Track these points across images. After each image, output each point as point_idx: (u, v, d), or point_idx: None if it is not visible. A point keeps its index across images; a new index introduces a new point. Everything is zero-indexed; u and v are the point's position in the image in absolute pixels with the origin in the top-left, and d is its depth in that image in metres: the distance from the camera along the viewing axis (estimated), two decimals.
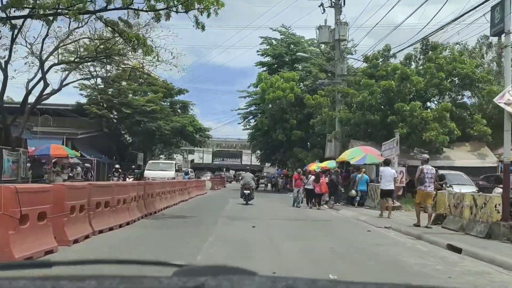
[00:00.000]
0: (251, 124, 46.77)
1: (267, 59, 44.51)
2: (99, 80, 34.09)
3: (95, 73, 33.29)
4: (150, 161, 30.84)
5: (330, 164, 30.00)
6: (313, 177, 20.04)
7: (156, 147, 42.99)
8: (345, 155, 19.82)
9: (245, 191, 19.51)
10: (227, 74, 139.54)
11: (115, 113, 35.63)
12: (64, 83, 23.16)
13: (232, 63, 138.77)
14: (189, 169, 46.94)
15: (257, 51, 44.19)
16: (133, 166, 25.74)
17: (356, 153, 18.95)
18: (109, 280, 0.74)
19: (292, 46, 43.75)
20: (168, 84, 38.14)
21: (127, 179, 21.33)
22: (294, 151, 38.66)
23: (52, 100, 26.08)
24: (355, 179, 18.99)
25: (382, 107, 21.49)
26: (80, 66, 31.83)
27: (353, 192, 18.54)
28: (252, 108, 45.60)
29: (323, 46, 36.74)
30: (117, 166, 29.83)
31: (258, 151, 49.44)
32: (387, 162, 15.99)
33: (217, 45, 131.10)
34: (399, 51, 22.51)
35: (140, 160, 41.45)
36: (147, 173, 28.75)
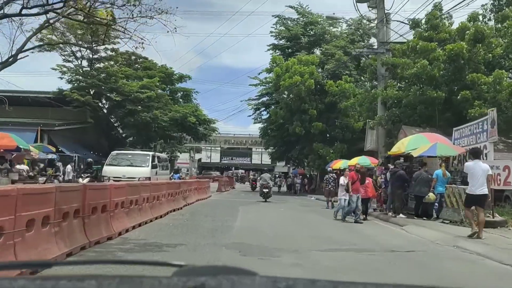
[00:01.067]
0: (263, 116, 41.37)
1: (282, 42, 38.99)
2: (85, 63, 28.89)
3: (79, 54, 28.17)
4: (114, 152, 21.54)
5: (362, 160, 24.59)
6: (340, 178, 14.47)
7: (157, 143, 37.74)
8: (402, 146, 14.12)
9: (264, 190, 21.99)
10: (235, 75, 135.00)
11: (104, 101, 30.44)
12: (23, 50, 17.88)
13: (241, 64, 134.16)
14: (181, 166, 41.30)
15: (270, 32, 38.71)
16: (89, 160, 18.84)
17: (419, 142, 13.27)
18: (108, 280, 0.73)
19: (309, 26, 38.17)
20: (167, 68, 32.83)
21: (80, 180, 15.54)
22: (314, 147, 33.10)
23: (31, 87, 20.94)
24: (423, 178, 12.83)
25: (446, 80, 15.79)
26: (62, 46, 26.72)
27: (431, 195, 12.15)
28: (264, 99, 40.08)
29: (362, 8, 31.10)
30: (89, 160, 23.15)
31: (271, 148, 43.95)
32: (476, 153, 10.40)
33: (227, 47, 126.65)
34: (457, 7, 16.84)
35: None
36: (106, 170, 20.26)
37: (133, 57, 33.72)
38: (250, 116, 41.05)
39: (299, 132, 32.84)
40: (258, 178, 32.29)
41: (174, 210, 14.17)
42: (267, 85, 39.31)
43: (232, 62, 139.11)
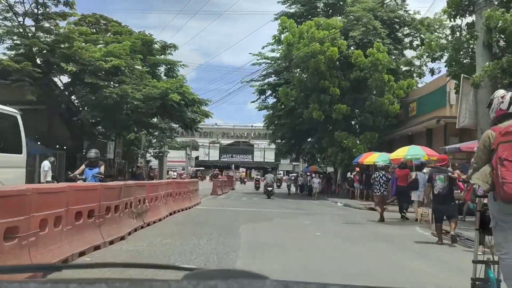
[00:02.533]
0: (269, 102, 33.77)
1: (293, 8, 31.34)
2: (30, 23, 21.24)
3: (21, 8, 20.63)
4: None
5: (414, 151, 17.40)
6: None
7: (135, 131, 30.07)
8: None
9: (268, 188, 24.45)
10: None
11: (59, 76, 22.88)
12: None
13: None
14: (177, 165, 33.51)
15: None
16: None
17: None
18: (118, 283, 0.74)
19: None
20: (146, 35, 25.20)
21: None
22: (336, 137, 25.51)
23: None
24: None
25: None
26: None
27: None
28: (271, 79, 32.40)
29: None
30: (51, 159, 17.32)
31: (277, 142, 36.27)
32: None
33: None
34: None
35: (110, 152, 28.59)
36: None
37: (102, 21, 26.11)
38: (253, 101, 33.42)
39: (317, 117, 25.23)
40: (262, 178, 32.99)
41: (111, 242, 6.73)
42: (273, 62, 31.73)
43: (234, 61, 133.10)
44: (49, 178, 16.39)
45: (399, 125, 26.06)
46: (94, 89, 20.93)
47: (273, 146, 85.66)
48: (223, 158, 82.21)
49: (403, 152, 17.94)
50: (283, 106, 30.42)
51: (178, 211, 13.26)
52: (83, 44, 20.98)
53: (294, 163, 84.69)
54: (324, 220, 13.18)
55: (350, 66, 26.02)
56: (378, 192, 13.45)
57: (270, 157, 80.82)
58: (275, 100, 32.92)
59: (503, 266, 3.59)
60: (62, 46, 20.43)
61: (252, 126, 56.37)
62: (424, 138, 22.25)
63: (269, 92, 32.93)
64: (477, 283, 3.89)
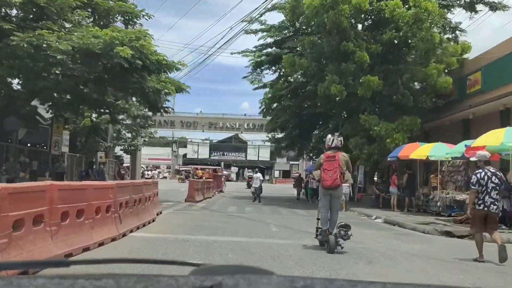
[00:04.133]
0: (269, 76, 26.36)
1: None
2: None
3: None
4: None
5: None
6: None
7: (87, 114, 22.60)
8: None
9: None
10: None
11: None
12: None
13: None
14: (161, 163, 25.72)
15: None
16: None
17: None
18: (126, 279, 0.73)
19: None
20: None
21: None
22: (363, 122, 18.12)
23: None
24: None
25: None
26: None
27: None
28: (270, 50, 24.83)
29: None
30: None
31: (275, 132, 28.76)
32: None
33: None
34: None
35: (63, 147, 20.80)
36: None
37: None
38: (245, 77, 25.85)
39: (336, 92, 17.81)
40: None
41: None
42: (274, 29, 24.25)
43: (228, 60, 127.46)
44: None
45: (450, 105, 18.74)
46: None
47: (268, 144, 79.70)
48: (214, 156, 74.97)
49: (499, 137, 10.74)
50: (286, 84, 23.00)
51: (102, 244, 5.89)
52: None
53: (291, 162, 77.26)
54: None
55: (383, 23, 18.69)
56: (487, 207, 6.34)
57: (265, 155, 73.44)
58: (275, 77, 25.51)
59: (321, 217, 7.52)
60: None
61: (245, 115, 48.08)
62: (496, 122, 14.82)
63: (267, 66, 25.37)
64: None
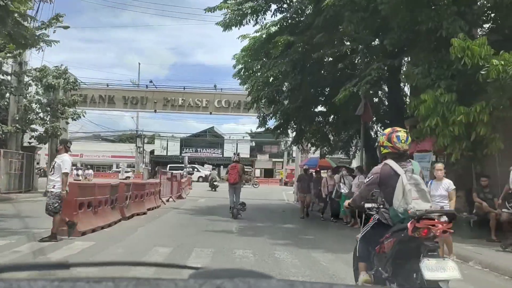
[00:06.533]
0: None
1: None
2: None
3: None
4: None
5: None
6: None
7: None
8: None
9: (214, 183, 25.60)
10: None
11: None
12: None
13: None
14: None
15: None
16: None
17: None
18: (125, 282, 0.74)
19: None
20: None
21: None
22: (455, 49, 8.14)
23: None
24: None
25: None
26: None
27: None
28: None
29: None
30: None
31: (266, 111, 18.01)
32: None
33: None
34: None
35: None
36: None
37: None
38: (217, 23, 15.30)
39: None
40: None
41: None
42: None
43: (208, 60, 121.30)
44: None
45: None
46: None
47: (248, 137, 69.54)
48: (185, 152, 64.92)
49: None
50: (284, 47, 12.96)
51: None
52: None
53: (274, 160, 66.99)
54: None
55: None
56: None
57: (244, 151, 63.47)
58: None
59: (230, 201, 13.55)
60: None
61: (215, 87, 32.87)
62: None
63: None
64: None
